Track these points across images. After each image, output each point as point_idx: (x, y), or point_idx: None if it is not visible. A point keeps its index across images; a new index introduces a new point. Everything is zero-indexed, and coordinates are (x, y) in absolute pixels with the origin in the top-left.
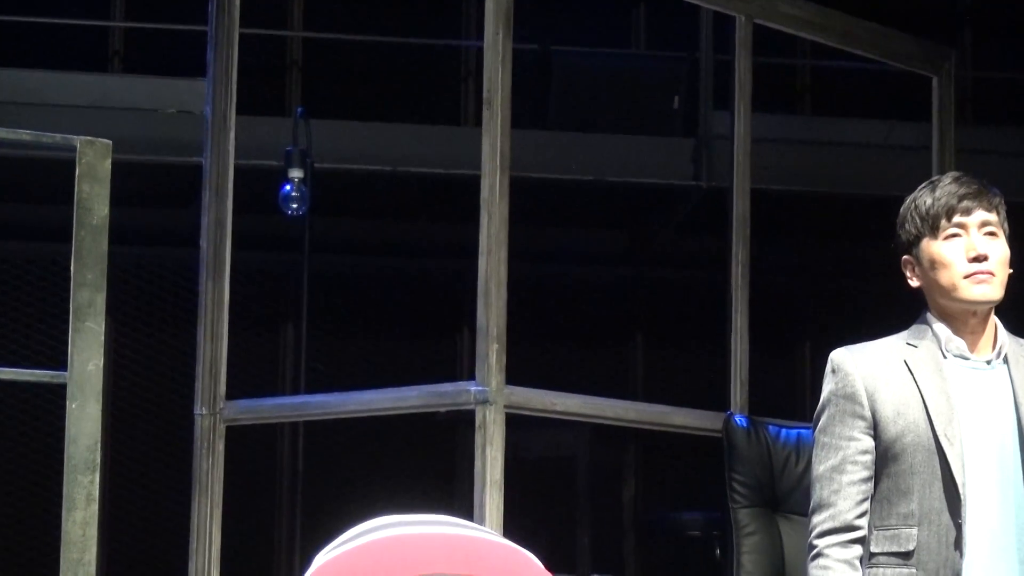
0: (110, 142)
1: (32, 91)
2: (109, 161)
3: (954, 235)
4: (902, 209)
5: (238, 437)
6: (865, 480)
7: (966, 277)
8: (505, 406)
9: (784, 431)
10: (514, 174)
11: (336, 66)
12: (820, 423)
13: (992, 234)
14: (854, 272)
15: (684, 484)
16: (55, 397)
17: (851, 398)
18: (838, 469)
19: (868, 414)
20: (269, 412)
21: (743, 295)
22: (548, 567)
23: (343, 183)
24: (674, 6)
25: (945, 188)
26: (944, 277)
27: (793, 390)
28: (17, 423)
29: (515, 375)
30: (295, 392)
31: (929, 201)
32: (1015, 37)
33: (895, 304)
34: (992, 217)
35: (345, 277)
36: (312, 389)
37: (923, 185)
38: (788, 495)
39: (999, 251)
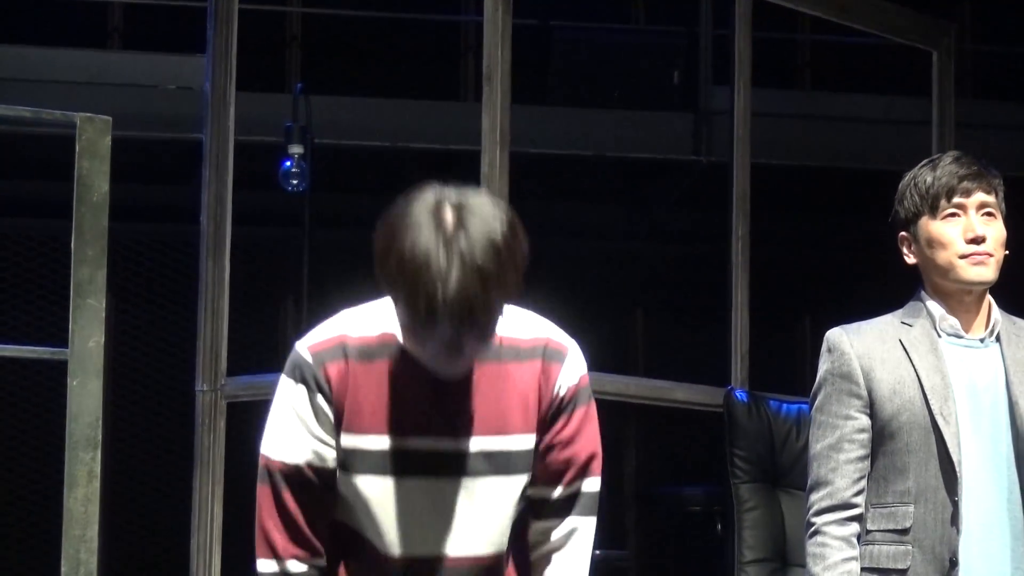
0: (110, 119)
1: (32, 67)
2: (109, 138)
3: (953, 215)
4: (901, 186)
5: (239, 413)
6: (862, 458)
7: (963, 257)
8: None
9: (785, 406)
10: (514, 149)
11: (336, 41)
12: (816, 402)
13: (990, 215)
14: (855, 246)
15: (685, 459)
16: (56, 374)
17: (847, 377)
18: (835, 448)
19: (864, 393)
20: (270, 388)
21: (743, 270)
22: None
23: (343, 159)
24: None
25: (946, 168)
26: (941, 256)
27: (794, 365)
28: (18, 400)
29: None
30: None
31: (929, 180)
32: (1013, 11)
33: (895, 278)
34: (991, 199)
35: (345, 253)
36: None
37: (923, 163)
38: (789, 470)
39: (996, 232)
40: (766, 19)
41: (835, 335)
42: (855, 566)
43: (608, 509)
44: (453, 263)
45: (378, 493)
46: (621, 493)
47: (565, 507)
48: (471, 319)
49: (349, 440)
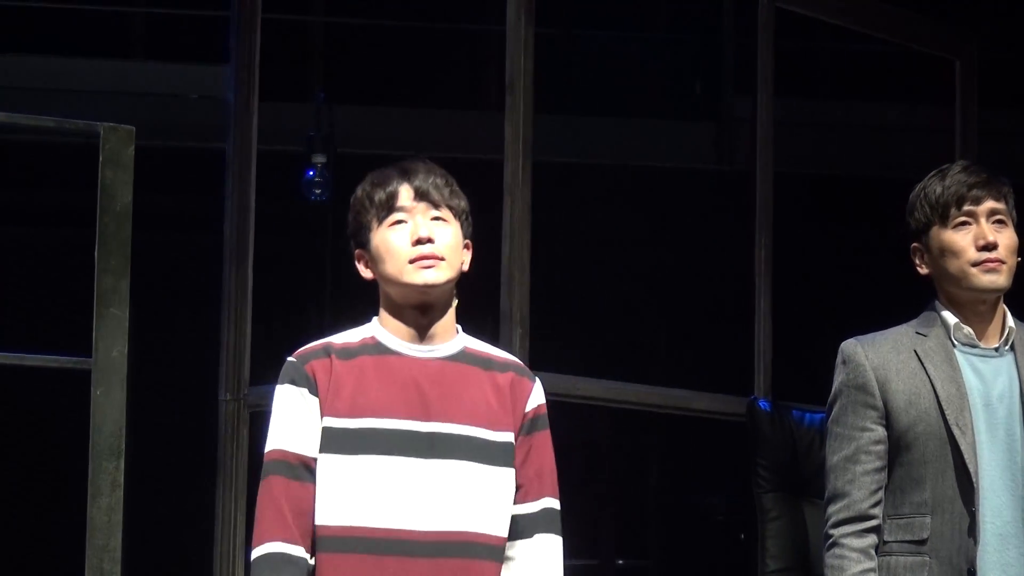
0: (133, 128)
1: (55, 77)
2: (132, 147)
3: (964, 223)
4: (911, 197)
5: (262, 423)
6: (878, 470)
7: (975, 265)
8: None
9: (808, 415)
10: (536, 159)
11: (358, 51)
12: (832, 414)
13: (1001, 223)
14: (878, 255)
15: (707, 469)
16: (79, 383)
17: (862, 389)
18: (852, 459)
19: (880, 404)
20: None
21: (766, 279)
22: (573, 553)
23: (366, 168)
24: None
25: (955, 177)
26: (953, 265)
27: (817, 374)
28: (41, 409)
29: (538, 360)
30: None
31: (939, 189)
32: None
33: (920, 287)
34: (1001, 206)
35: None
36: None
37: (932, 173)
38: (812, 479)
39: (1008, 239)
40: (788, 28)
41: (850, 346)
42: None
43: (630, 518)
44: (413, 161)
45: (355, 469)
46: (643, 502)
47: (533, 524)
48: (432, 179)
49: (331, 422)
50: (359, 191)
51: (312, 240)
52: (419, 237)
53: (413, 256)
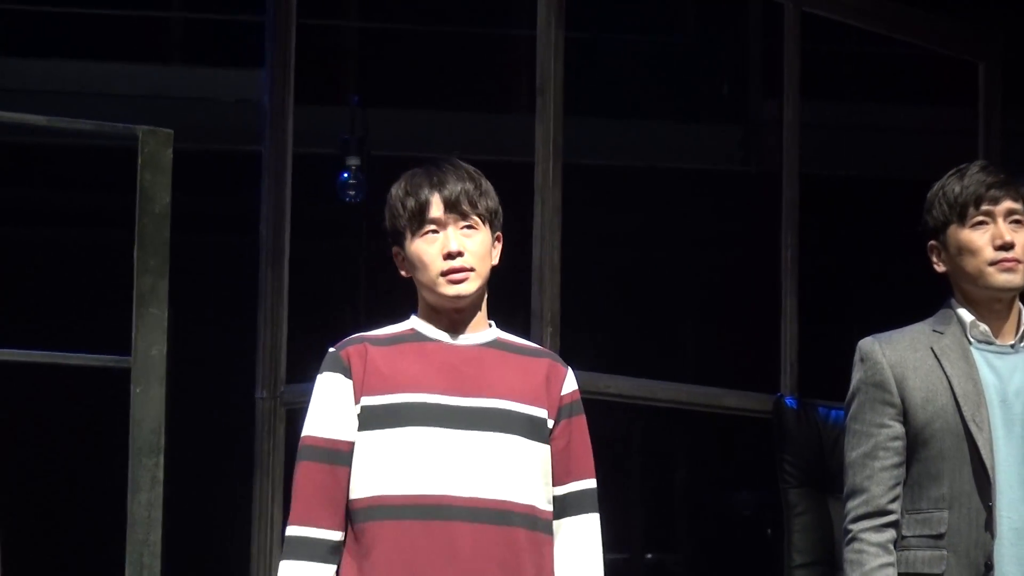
0: (171, 131)
1: (94, 81)
2: (171, 150)
3: (981, 223)
4: (929, 195)
5: (298, 420)
6: (897, 465)
7: (992, 264)
8: None
9: (834, 412)
10: (566, 160)
11: (391, 55)
12: (851, 411)
13: (1018, 223)
14: (903, 254)
15: (735, 465)
16: (119, 381)
17: (880, 386)
18: (870, 455)
19: (897, 401)
20: None
21: (793, 278)
22: (603, 547)
23: (399, 170)
24: None
25: (973, 177)
26: (970, 264)
27: (843, 372)
28: (82, 406)
29: (568, 358)
30: None
31: (957, 189)
32: None
33: (939, 286)
34: (1018, 206)
35: None
36: None
37: (950, 173)
38: (838, 475)
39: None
40: (814, 31)
41: (867, 344)
42: (892, 572)
43: (659, 514)
44: (438, 167)
45: (394, 441)
46: (672, 498)
47: (577, 503)
48: (463, 187)
49: (369, 400)
50: (393, 192)
51: (347, 241)
52: (449, 251)
53: (445, 269)
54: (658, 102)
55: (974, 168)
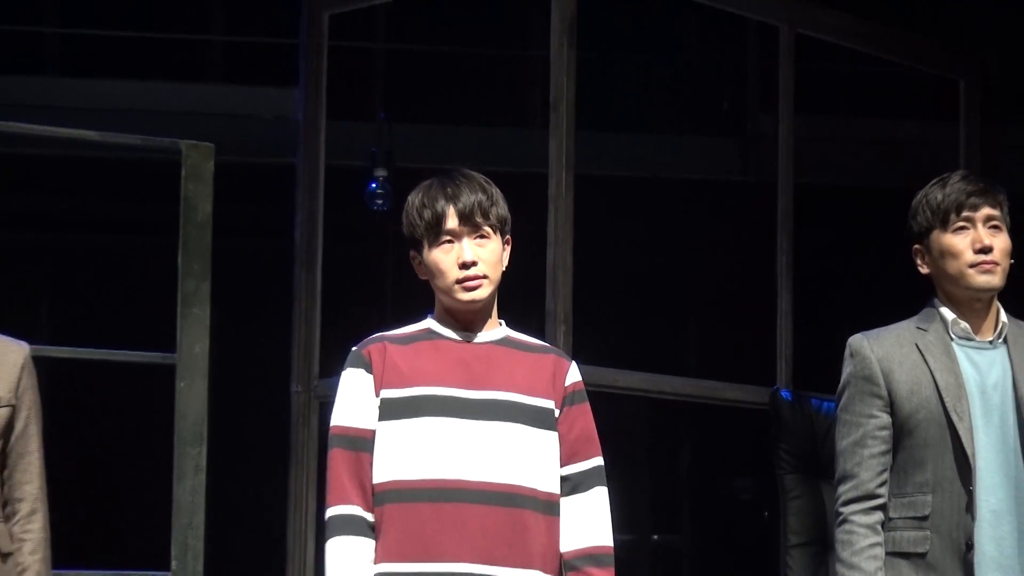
0: (212, 145)
1: (141, 100)
2: (212, 163)
3: (962, 228)
4: (914, 202)
5: (330, 412)
6: (884, 453)
7: (972, 266)
8: None
9: (826, 404)
10: (578, 172)
11: (416, 74)
12: (842, 402)
13: (996, 228)
14: (889, 257)
15: (735, 453)
16: (165, 377)
17: (869, 379)
18: (860, 444)
19: (884, 393)
20: None
21: (788, 281)
22: (613, 528)
23: (423, 181)
24: (723, 16)
25: (955, 185)
26: (952, 266)
27: (834, 366)
28: (131, 400)
29: (580, 354)
30: None
31: (940, 196)
32: None
33: (926, 287)
34: (996, 212)
35: None
36: None
37: (933, 182)
38: (830, 462)
39: (1002, 243)
40: (807, 51)
41: (856, 341)
42: (880, 551)
43: (665, 498)
44: (453, 179)
45: (411, 431)
46: (676, 484)
47: (587, 479)
48: (477, 199)
49: (388, 394)
50: (411, 202)
51: (374, 246)
52: (464, 261)
53: (460, 277)
54: (663, 116)
55: (955, 177)
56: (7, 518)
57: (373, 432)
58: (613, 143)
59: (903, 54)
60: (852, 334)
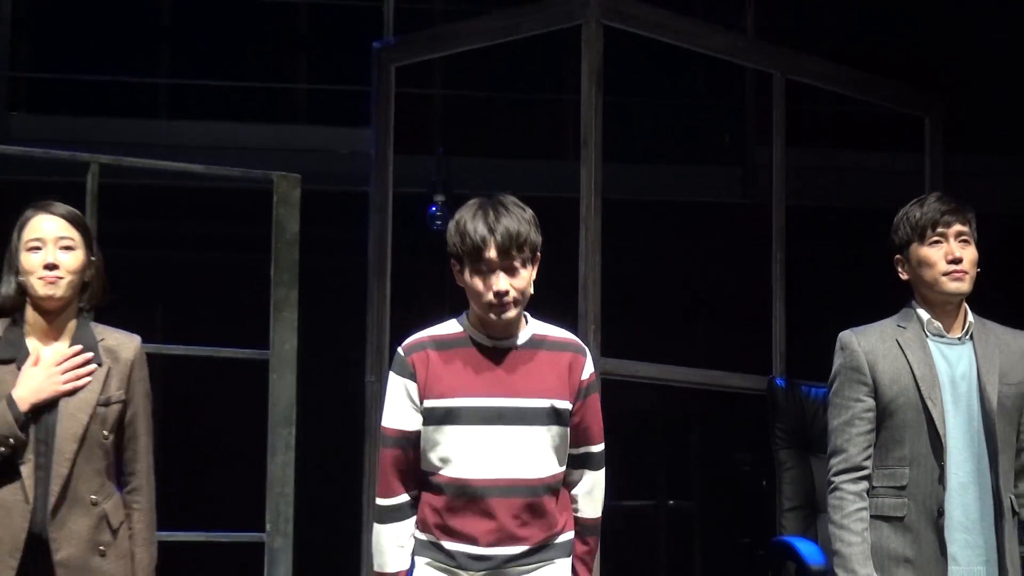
0: (299, 176)
1: (239, 138)
2: (298, 190)
3: (936, 241)
4: (896, 219)
5: None
6: (869, 432)
7: (945, 274)
8: (601, 373)
9: (814, 389)
10: (605, 196)
11: (469, 115)
12: (833, 388)
13: (966, 242)
14: (866, 267)
15: (737, 431)
16: (259, 370)
17: (856, 369)
18: (849, 423)
19: (870, 381)
20: None
21: (781, 286)
22: (634, 495)
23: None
24: (726, 66)
25: (931, 205)
26: (928, 274)
27: (820, 358)
28: (230, 390)
29: (607, 349)
30: None
31: (918, 214)
32: (988, 83)
33: (898, 290)
34: (966, 228)
35: None
36: None
37: (913, 201)
38: (818, 439)
39: (971, 255)
40: (796, 93)
41: (846, 336)
42: (866, 514)
43: (678, 469)
44: (495, 209)
45: (447, 436)
46: (688, 457)
47: (588, 461)
48: (513, 233)
49: (430, 403)
50: (457, 222)
51: (434, 260)
52: (497, 291)
53: (493, 302)
54: (675, 150)
55: (931, 198)
56: (123, 487)
57: (418, 432)
58: (633, 172)
59: (876, 95)
60: (837, 331)
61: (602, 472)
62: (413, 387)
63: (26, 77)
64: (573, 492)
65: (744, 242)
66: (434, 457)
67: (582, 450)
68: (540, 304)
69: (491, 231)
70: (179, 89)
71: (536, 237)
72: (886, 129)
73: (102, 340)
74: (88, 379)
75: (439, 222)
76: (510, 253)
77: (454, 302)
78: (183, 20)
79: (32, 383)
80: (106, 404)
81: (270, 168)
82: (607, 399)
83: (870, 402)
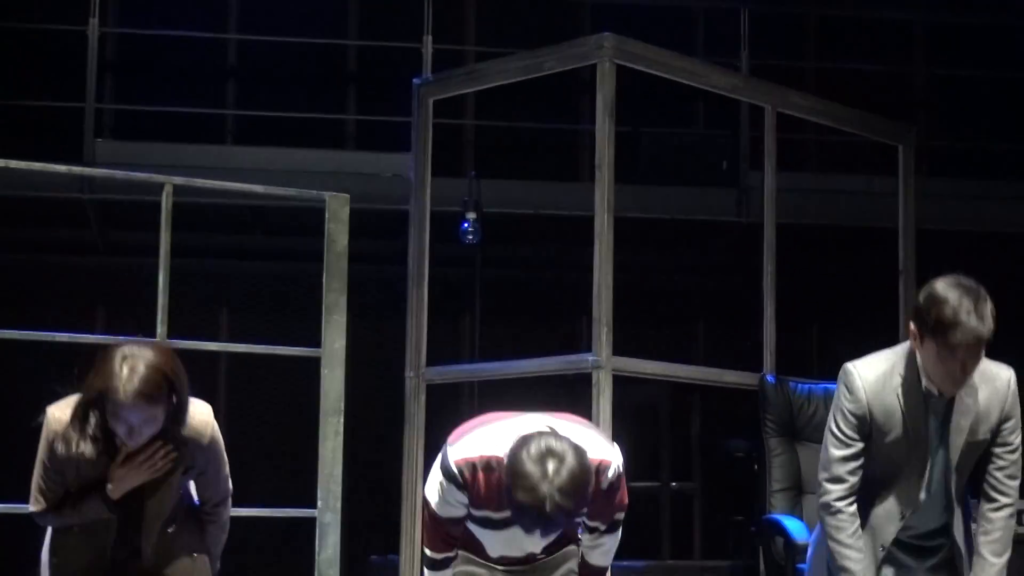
0: (348, 196)
1: (294, 162)
2: (347, 208)
3: (952, 353)
4: (931, 297)
5: (434, 392)
6: (863, 465)
7: (946, 377)
8: (612, 370)
9: (800, 385)
10: (616, 215)
11: (497, 143)
12: (836, 422)
13: (978, 352)
14: (846, 276)
15: (733, 421)
16: (311, 366)
17: (859, 417)
18: (848, 459)
19: (868, 425)
20: (455, 375)
21: (772, 293)
22: (641, 477)
23: (503, 222)
24: (723, 100)
25: (967, 326)
26: (933, 368)
27: (805, 357)
28: (287, 383)
29: (618, 349)
30: (472, 360)
31: (949, 319)
32: (957, 115)
33: (873, 298)
34: (982, 347)
35: (504, 284)
36: (484, 359)
37: (951, 296)
38: (803, 429)
39: (976, 363)
40: (785, 124)
41: (855, 381)
42: (859, 531)
43: (681, 454)
44: (552, 496)
45: (487, 535)
46: (689, 444)
47: (609, 529)
48: (560, 522)
49: (474, 511)
50: (517, 484)
51: (466, 270)
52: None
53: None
54: (678, 173)
55: (969, 318)
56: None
57: (463, 517)
58: (642, 193)
59: (856, 126)
60: (821, 333)
61: (619, 534)
62: (462, 494)
63: (110, 108)
64: (590, 549)
65: (738, 255)
66: (473, 547)
67: (608, 521)
68: (555, 306)
69: (543, 531)
70: (243, 119)
71: (584, 503)
72: (865, 155)
73: (182, 431)
74: (170, 462)
75: (471, 236)
76: (559, 522)
77: (484, 308)
78: (247, 59)
79: (122, 482)
80: (184, 472)
81: (322, 189)
82: (616, 393)
83: (864, 442)
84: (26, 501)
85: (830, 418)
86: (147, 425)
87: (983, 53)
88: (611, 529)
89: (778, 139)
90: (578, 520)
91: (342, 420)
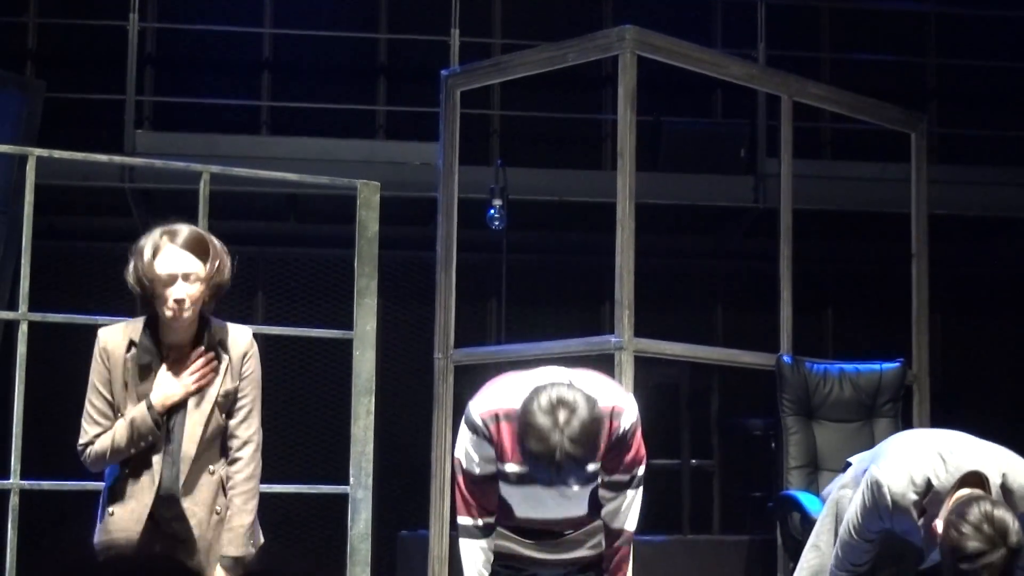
0: (379, 184)
1: (327, 151)
2: (378, 196)
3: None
4: (951, 539)
5: (461, 372)
6: (873, 554)
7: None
8: (634, 351)
9: (815, 365)
10: (638, 201)
11: (523, 132)
12: (861, 517)
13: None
14: (860, 260)
15: (750, 400)
16: (344, 347)
17: (882, 529)
18: (867, 550)
19: (880, 536)
20: (481, 356)
21: (788, 277)
22: (662, 455)
23: (528, 208)
24: (741, 89)
25: (980, 559)
26: (943, 552)
27: (821, 338)
28: (319, 364)
29: (640, 331)
30: (498, 343)
31: (966, 557)
32: (967, 103)
33: (885, 281)
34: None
35: (529, 269)
36: (509, 340)
37: (974, 534)
38: (818, 407)
39: None
40: (800, 112)
41: (888, 507)
42: None
43: (700, 432)
44: (562, 444)
45: (512, 493)
46: (708, 423)
47: (628, 484)
48: (571, 471)
49: (500, 466)
50: (528, 433)
51: (492, 255)
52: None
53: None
54: (698, 161)
55: (990, 558)
56: (228, 452)
57: (494, 477)
58: (662, 180)
59: (870, 114)
60: (836, 315)
61: (641, 491)
62: (490, 447)
63: (150, 100)
64: (613, 509)
65: (756, 240)
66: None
67: (630, 473)
68: (579, 290)
69: (556, 475)
70: (277, 110)
71: (593, 460)
72: (878, 143)
73: (220, 338)
74: (212, 375)
75: (497, 222)
76: (569, 471)
77: (510, 292)
78: (281, 52)
79: (165, 388)
80: (225, 396)
81: (354, 177)
82: (638, 373)
83: (877, 542)
84: (76, 478)
85: (854, 517)
86: (191, 284)
87: (993, 43)
88: (630, 484)
89: (794, 127)
90: (592, 469)
91: (373, 400)
